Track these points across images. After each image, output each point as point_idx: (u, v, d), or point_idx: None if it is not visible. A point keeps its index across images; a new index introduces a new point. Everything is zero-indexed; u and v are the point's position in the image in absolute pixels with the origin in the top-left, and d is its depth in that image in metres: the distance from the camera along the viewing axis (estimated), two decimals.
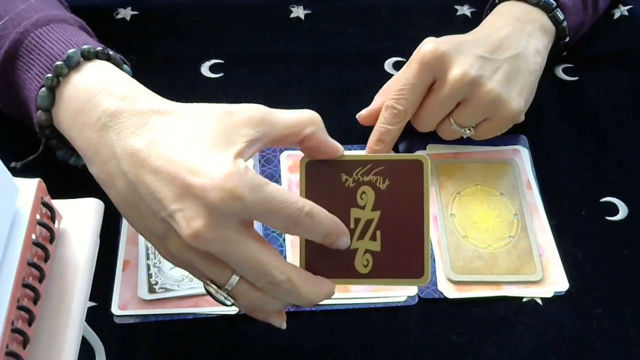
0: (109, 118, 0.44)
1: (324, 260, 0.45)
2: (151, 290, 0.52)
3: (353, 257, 0.46)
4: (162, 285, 0.52)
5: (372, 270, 0.45)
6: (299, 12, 0.73)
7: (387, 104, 0.58)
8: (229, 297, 0.43)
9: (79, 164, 0.53)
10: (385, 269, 0.46)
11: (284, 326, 0.46)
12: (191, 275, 0.48)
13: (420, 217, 0.45)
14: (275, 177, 0.59)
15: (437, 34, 0.59)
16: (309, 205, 0.42)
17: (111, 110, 0.44)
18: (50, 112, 0.49)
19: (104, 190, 0.45)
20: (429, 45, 0.56)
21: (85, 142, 0.45)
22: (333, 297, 0.52)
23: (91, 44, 0.51)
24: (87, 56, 0.49)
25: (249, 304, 0.43)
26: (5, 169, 0.34)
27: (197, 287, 0.52)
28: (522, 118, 0.59)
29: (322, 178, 0.46)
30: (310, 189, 0.46)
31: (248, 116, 0.43)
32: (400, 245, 0.46)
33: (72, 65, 0.48)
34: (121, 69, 0.51)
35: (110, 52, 0.51)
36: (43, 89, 0.48)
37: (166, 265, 0.53)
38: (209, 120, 0.43)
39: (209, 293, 0.43)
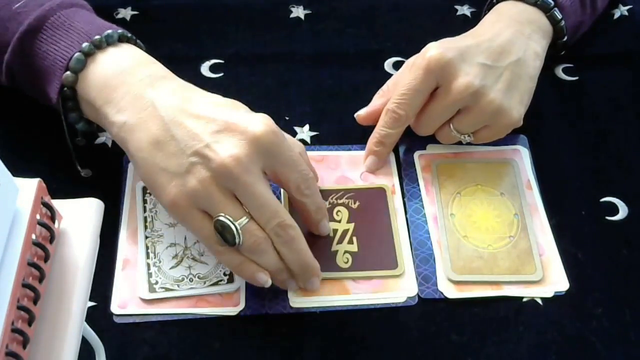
0: (154, 79, 0.52)
1: None
2: (151, 289, 0.52)
3: (334, 257, 0.55)
4: (162, 285, 0.52)
5: (352, 265, 0.54)
6: (299, 12, 0.73)
7: (388, 108, 0.58)
8: (240, 233, 0.47)
9: (86, 129, 0.57)
10: (363, 263, 0.54)
11: (268, 284, 0.50)
12: (191, 275, 0.52)
13: (388, 224, 0.56)
14: None
15: (437, 33, 0.59)
16: (313, 172, 0.53)
17: (159, 74, 0.52)
18: (77, 75, 0.53)
19: (124, 137, 0.51)
20: (434, 52, 0.56)
21: (121, 95, 0.51)
22: (333, 297, 0.53)
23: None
24: (122, 39, 0.55)
25: (252, 245, 0.48)
26: (5, 169, 0.34)
27: (197, 287, 0.52)
28: (521, 123, 0.59)
29: None
30: (293, 210, 0.54)
31: (261, 134, 0.49)
32: (375, 245, 0.55)
33: (110, 42, 0.54)
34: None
35: (137, 40, 0.57)
36: (78, 53, 0.53)
37: (166, 264, 0.53)
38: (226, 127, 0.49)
39: (220, 227, 0.47)
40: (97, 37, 0.53)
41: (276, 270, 0.50)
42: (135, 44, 0.57)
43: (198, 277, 0.52)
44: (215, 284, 0.52)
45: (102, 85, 0.52)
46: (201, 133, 0.48)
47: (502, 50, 0.58)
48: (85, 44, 0.53)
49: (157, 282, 0.53)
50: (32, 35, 0.54)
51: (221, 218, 0.47)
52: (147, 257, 0.54)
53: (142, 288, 0.52)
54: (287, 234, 0.48)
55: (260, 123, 0.48)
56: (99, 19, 0.57)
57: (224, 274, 0.53)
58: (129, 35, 0.56)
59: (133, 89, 0.51)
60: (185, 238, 0.55)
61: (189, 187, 0.47)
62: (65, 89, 0.53)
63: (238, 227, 0.47)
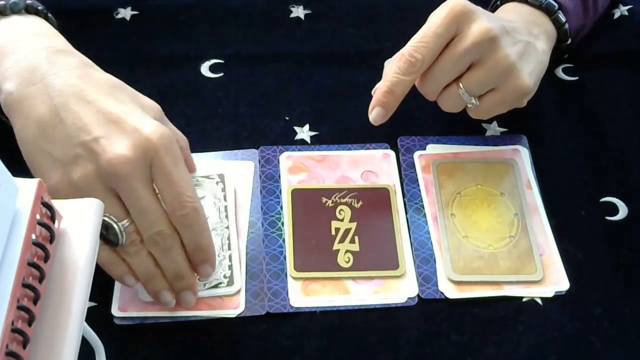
0: (51, 52, 0.49)
1: (311, 258, 0.54)
2: None
3: (336, 256, 0.54)
4: None
5: (353, 265, 0.54)
6: (299, 12, 0.73)
7: (403, 52, 0.56)
8: (124, 234, 0.46)
9: None
10: (364, 263, 0.54)
11: (135, 287, 0.49)
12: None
13: (390, 225, 0.56)
14: (275, 178, 0.59)
15: None
16: (200, 206, 0.47)
17: (58, 47, 0.50)
18: None
19: (9, 107, 0.48)
20: (458, 1, 0.54)
21: (11, 63, 0.48)
22: (333, 297, 0.53)
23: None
24: (30, 10, 0.53)
25: (129, 247, 0.47)
26: (5, 169, 0.34)
27: (200, 290, 0.52)
28: (530, 94, 0.58)
29: (306, 201, 0.57)
30: (296, 207, 0.57)
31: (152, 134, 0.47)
32: (376, 245, 0.55)
33: (15, 9, 0.52)
34: (52, 23, 0.55)
35: (48, 13, 0.55)
36: None
37: None
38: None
39: (103, 228, 0.45)
40: (2, 2, 0.51)
41: (148, 276, 0.49)
42: (46, 18, 0.54)
43: (198, 280, 0.52)
44: (215, 286, 0.52)
45: (2, 46, 0.50)
46: (90, 124, 0.45)
47: (514, 29, 0.57)
48: None
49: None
50: None
51: (105, 218, 0.45)
52: None
53: (143, 291, 0.52)
54: (165, 243, 0.47)
55: (154, 126, 0.46)
56: None
57: (224, 277, 0.53)
58: (40, 7, 0.54)
59: (26, 58, 0.48)
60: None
61: (72, 179, 0.45)
62: None
63: (122, 228, 0.46)
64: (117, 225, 0.46)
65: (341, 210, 0.57)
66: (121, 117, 0.46)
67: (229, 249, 0.54)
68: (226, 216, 0.56)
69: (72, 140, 0.45)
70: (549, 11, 0.62)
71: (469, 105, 0.58)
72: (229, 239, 0.55)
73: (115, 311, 0.51)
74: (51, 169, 0.46)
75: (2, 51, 0.49)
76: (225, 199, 0.56)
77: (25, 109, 0.47)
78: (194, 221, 0.47)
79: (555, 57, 0.65)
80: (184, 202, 0.46)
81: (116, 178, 0.45)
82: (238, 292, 0.52)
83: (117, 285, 0.52)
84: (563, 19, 0.63)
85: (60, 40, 0.51)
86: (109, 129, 0.45)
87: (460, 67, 0.56)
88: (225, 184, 0.57)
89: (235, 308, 0.52)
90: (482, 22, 0.54)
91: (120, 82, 0.50)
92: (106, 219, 0.46)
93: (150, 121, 0.46)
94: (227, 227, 0.55)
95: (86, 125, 0.45)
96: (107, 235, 0.46)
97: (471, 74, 0.56)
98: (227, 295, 0.52)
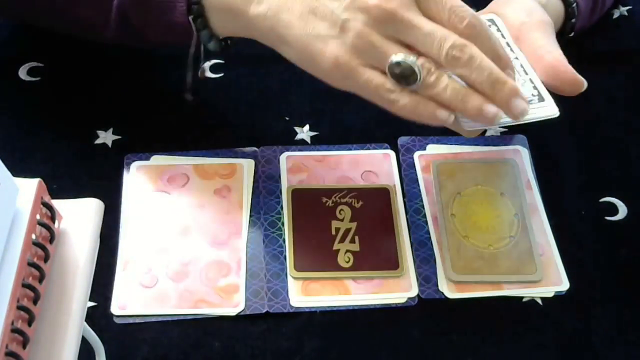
0: None
1: (311, 257, 0.54)
2: None
3: (336, 256, 0.54)
4: None
5: (353, 264, 0.54)
6: None
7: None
8: (418, 68, 0.46)
9: (213, 49, 0.57)
10: (364, 263, 0.54)
11: (450, 119, 0.48)
12: None
13: (391, 224, 0.56)
14: (275, 178, 0.59)
15: None
16: (472, 13, 0.47)
17: None
18: None
19: (271, 24, 0.51)
20: None
21: None
22: (333, 297, 0.53)
23: None
24: None
25: (429, 78, 0.47)
26: (5, 169, 0.34)
27: None
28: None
29: (306, 201, 0.57)
30: (296, 207, 0.57)
31: None
32: (376, 245, 0.55)
33: None
34: None
35: None
36: None
37: None
38: None
39: (397, 70, 0.47)
40: None
41: (461, 96, 0.47)
42: None
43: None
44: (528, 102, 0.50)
45: None
46: None
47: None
48: None
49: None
50: None
51: (396, 59, 0.47)
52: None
53: (465, 120, 0.50)
54: (465, 53, 0.46)
55: None
56: None
57: (532, 95, 0.52)
58: None
59: None
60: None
61: (349, 44, 0.47)
62: (194, 5, 0.53)
63: (414, 62, 0.46)
64: (412, 61, 0.46)
65: (341, 210, 0.57)
66: None
67: (526, 73, 0.54)
68: (511, 50, 0.55)
69: (334, 12, 0.48)
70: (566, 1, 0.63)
71: None
72: (522, 66, 0.54)
73: (115, 309, 0.51)
74: (327, 47, 0.48)
75: None
76: (503, 36, 0.56)
77: (283, 15, 0.50)
78: (479, 28, 0.47)
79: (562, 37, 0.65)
80: (460, 13, 0.46)
81: (388, 19, 0.46)
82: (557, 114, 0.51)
83: (117, 284, 0.52)
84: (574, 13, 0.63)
85: None
86: (350, 6, 0.47)
87: None
88: (498, 24, 0.57)
89: (235, 306, 0.52)
90: None
91: None
92: (397, 59, 0.47)
93: None
94: (517, 58, 0.55)
95: (329, 15, 0.48)
96: (405, 74, 0.47)
97: None
98: (540, 110, 0.51)
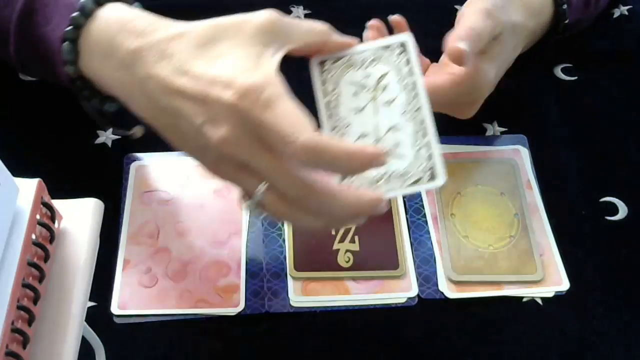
0: (131, 56, 0.46)
1: (311, 257, 0.54)
2: None
3: (336, 256, 0.54)
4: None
5: (353, 264, 0.54)
6: (299, 12, 0.73)
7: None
8: (258, 208, 0.44)
9: (111, 109, 0.53)
10: (364, 263, 0.54)
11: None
12: (388, 173, 0.46)
13: (391, 225, 0.56)
14: None
15: (437, 33, 0.59)
16: (310, 135, 0.41)
17: (131, 48, 0.46)
18: (78, 64, 0.49)
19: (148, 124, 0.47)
20: None
21: (119, 83, 0.47)
22: (333, 297, 0.53)
23: None
24: (100, 1, 0.49)
25: (280, 217, 0.44)
26: (5, 169, 0.34)
27: (396, 187, 0.45)
28: None
29: None
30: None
31: (263, 22, 0.45)
32: (376, 245, 0.55)
33: (87, 13, 0.48)
34: (132, 5, 0.51)
35: None
36: (66, 43, 0.48)
37: None
38: (225, 32, 0.45)
39: (245, 208, 0.45)
40: (75, 14, 0.48)
41: (327, 226, 0.46)
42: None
43: (396, 176, 0.45)
44: (416, 182, 0.45)
45: (101, 71, 0.48)
46: (190, 115, 0.43)
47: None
48: (67, 29, 0.49)
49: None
50: (29, 20, 0.51)
51: (241, 200, 0.45)
52: None
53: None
54: (307, 198, 0.43)
55: (234, 91, 0.42)
56: None
57: (424, 170, 0.45)
58: None
59: (123, 76, 0.47)
60: (375, 126, 0.46)
61: (212, 165, 0.45)
62: (75, 81, 0.50)
63: (253, 204, 0.44)
64: (249, 203, 0.44)
65: None
66: (206, 90, 0.43)
67: (426, 135, 0.46)
68: (416, 95, 0.46)
69: (190, 133, 0.44)
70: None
71: None
72: (423, 123, 0.46)
73: (114, 309, 0.51)
74: (202, 161, 0.46)
75: (102, 70, 0.48)
76: (411, 73, 0.46)
77: (154, 120, 0.47)
78: (312, 153, 0.41)
79: (544, 40, 0.65)
80: (289, 143, 0.41)
81: (234, 153, 0.43)
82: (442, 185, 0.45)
83: (117, 284, 0.53)
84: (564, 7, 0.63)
85: (135, 29, 0.47)
86: (204, 110, 0.43)
87: None
88: (409, 53, 0.47)
89: (235, 306, 0.52)
90: None
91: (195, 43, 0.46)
92: (241, 200, 0.45)
93: (234, 77, 0.42)
94: (420, 109, 0.46)
95: (189, 117, 0.44)
96: (249, 210, 0.45)
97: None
98: (431, 188, 0.46)
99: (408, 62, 0.47)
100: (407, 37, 0.48)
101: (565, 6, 0.63)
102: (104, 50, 0.47)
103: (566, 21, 0.63)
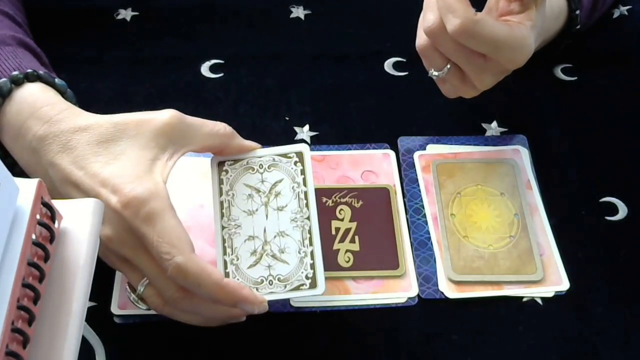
0: (37, 142, 0.47)
1: None
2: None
3: (336, 255, 0.54)
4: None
5: (353, 264, 0.54)
6: (299, 12, 0.73)
7: None
8: (140, 302, 0.48)
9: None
10: (364, 263, 0.54)
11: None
12: (271, 277, 0.48)
13: (391, 225, 0.56)
14: None
15: None
16: (186, 258, 0.44)
17: (38, 134, 0.48)
18: None
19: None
20: None
21: (26, 163, 0.49)
22: (333, 297, 0.53)
23: (25, 65, 0.52)
24: (17, 82, 0.50)
25: (160, 312, 0.47)
26: (5, 169, 0.34)
27: (278, 291, 0.48)
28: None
29: None
30: None
31: (163, 124, 0.47)
32: (376, 245, 0.55)
33: (4, 94, 0.50)
34: (54, 85, 0.52)
35: (41, 72, 0.52)
36: None
37: (244, 262, 0.48)
38: (127, 131, 0.47)
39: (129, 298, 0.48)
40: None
41: (201, 323, 0.49)
42: (35, 78, 0.51)
43: (278, 280, 0.48)
44: (297, 288, 0.47)
45: (12, 148, 0.50)
46: None
47: None
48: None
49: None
50: None
51: (132, 296, 0.49)
52: (224, 252, 0.49)
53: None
54: (178, 305, 0.47)
55: (118, 202, 0.44)
56: (5, 57, 0.53)
57: (306, 277, 0.48)
58: (27, 72, 0.51)
59: (30, 159, 0.48)
60: (264, 230, 0.48)
61: (103, 256, 0.48)
62: None
63: (135, 297, 0.48)
64: (131, 295, 0.48)
65: (341, 209, 0.57)
66: (97, 190, 0.45)
67: (311, 244, 0.48)
68: (306, 204, 0.49)
69: None
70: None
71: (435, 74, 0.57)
72: (310, 232, 0.48)
73: (115, 309, 0.51)
74: None
75: (13, 147, 0.50)
76: (305, 184, 0.50)
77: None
78: (183, 277, 0.44)
79: (553, 45, 0.65)
80: (165, 262, 0.44)
81: (117, 251, 0.46)
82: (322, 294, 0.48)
83: (117, 284, 0.52)
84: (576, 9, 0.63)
85: (45, 115, 0.48)
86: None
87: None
88: (304, 164, 0.50)
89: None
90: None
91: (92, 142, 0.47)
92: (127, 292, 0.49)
93: (114, 193, 0.45)
94: (308, 218, 0.49)
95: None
96: (132, 301, 0.48)
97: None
98: (311, 295, 0.48)
99: (302, 172, 0.50)
100: (303, 148, 0.51)
101: (578, 11, 0.63)
102: (15, 131, 0.49)
103: (578, 27, 0.63)
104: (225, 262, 0.49)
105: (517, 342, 0.51)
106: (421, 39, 0.56)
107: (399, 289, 0.53)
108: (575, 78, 0.68)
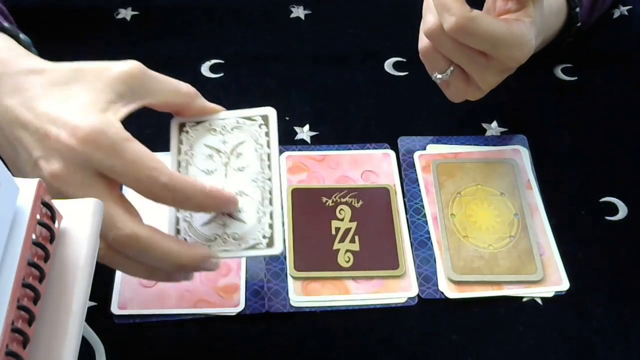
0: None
1: (311, 257, 0.55)
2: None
3: (336, 255, 0.54)
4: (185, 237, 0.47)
5: (353, 264, 0.54)
6: (299, 12, 0.73)
7: None
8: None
9: None
10: (364, 263, 0.54)
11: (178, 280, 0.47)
12: (225, 235, 0.47)
13: (391, 225, 0.56)
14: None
15: None
16: (169, 176, 0.43)
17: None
18: None
19: None
20: None
21: None
22: (333, 297, 0.53)
23: None
24: None
25: (101, 257, 0.44)
26: (5, 169, 0.34)
27: (232, 249, 0.46)
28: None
29: (306, 200, 0.57)
30: (296, 207, 0.57)
31: (123, 72, 0.45)
32: (376, 245, 0.55)
33: None
34: (18, 39, 0.51)
35: (6, 25, 0.51)
36: None
37: (197, 220, 0.47)
38: (84, 76, 0.45)
39: None
40: None
41: (143, 276, 0.46)
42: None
43: (233, 238, 0.46)
44: (253, 247, 0.45)
45: None
46: (29, 147, 0.44)
47: None
48: None
49: (185, 240, 0.46)
50: None
51: None
52: (178, 209, 0.47)
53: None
54: (131, 247, 0.43)
55: (74, 138, 0.42)
56: None
57: (263, 237, 0.45)
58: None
59: None
60: (222, 189, 0.47)
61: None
62: None
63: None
64: None
65: (341, 209, 0.57)
66: (47, 128, 0.43)
67: (271, 204, 0.46)
68: (269, 166, 0.48)
69: (28, 164, 0.45)
70: None
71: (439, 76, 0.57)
72: (270, 192, 0.47)
73: (114, 309, 0.51)
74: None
75: None
76: (268, 146, 0.48)
77: None
78: (172, 193, 0.43)
79: (553, 44, 0.65)
80: (150, 185, 0.43)
81: (64, 191, 0.44)
82: (280, 255, 0.46)
83: (117, 284, 0.53)
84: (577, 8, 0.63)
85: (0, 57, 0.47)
86: (42, 146, 0.44)
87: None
88: (269, 127, 0.49)
89: (235, 306, 0.52)
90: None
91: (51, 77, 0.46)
92: None
93: (76, 121, 0.43)
94: (270, 179, 0.47)
95: (27, 149, 0.44)
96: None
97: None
98: (268, 255, 0.47)
99: (267, 134, 0.49)
100: (270, 112, 0.50)
101: (578, 9, 0.63)
102: None
103: (578, 24, 0.63)
104: (177, 219, 0.47)
105: (517, 342, 0.51)
106: (423, 42, 0.56)
107: (398, 289, 0.53)
108: (575, 78, 0.68)
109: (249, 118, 0.50)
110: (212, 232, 0.46)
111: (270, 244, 0.45)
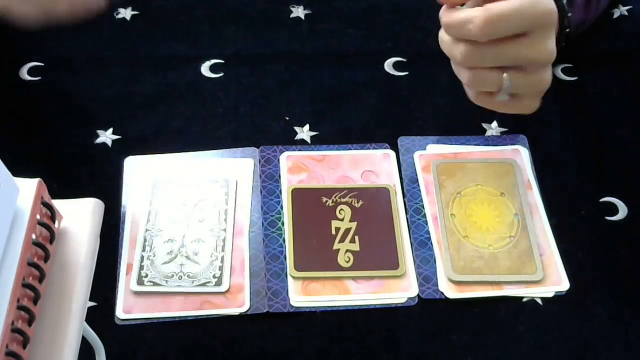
0: None
1: (311, 257, 0.54)
2: (139, 282, 0.52)
3: (336, 255, 0.55)
4: (150, 279, 0.53)
5: (354, 264, 0.54)
6: (299, 12, 0.73)
7: None
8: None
9: None
10: (364, 263, 0.54)
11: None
12: (181, 273, 0.53)
13: (391, 225, 0.57)
14: (275, 177, 0.59)
15: (437, 34, 0.59)
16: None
17: None
18: None
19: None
20: None
21: None
22: (333, 297, 0.53)
23: None
24: None
25: None
26: (5, 169, 0.34)
27: (185, 285, 0.52)
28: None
29: (306, 200, 0.58)
30: (296, 207, 0.57)
31: None
32: (376, 245, 0.55)
33: None
34: None
35: None
36: None
37: (159, 259, 0.54)
38: None
39: None
40: None
41: None
42: None
43: (187, 276, 0.53)
44: (203, 284, 0.53)
45: None
46: None
47: None
48: None
49: (146, 275, 0.53)
50: None
51: None
52: (143, 249, 0.54)
53: (133, 279, 0.53)
54: None
55: None
56: None
57: (213, 276, 0.53)
58: None
59: None
60: (183, 236, 0.55)
61: None
62: None
63: None
64: None
65: (341, 209, 0.57)
66: None
67: (223, 250, 0.54)
68: (225, 219, 0.56)
69: None
70: None
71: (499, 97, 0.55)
72: (224, 241, 0.55)
73: (119, 313, 0.51)
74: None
75: None
76: (226, 203, 0.57)
77: None
78: None
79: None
80: None
81: None
82: (225, 292, 0.52)
83: (121, 287, 0.52)
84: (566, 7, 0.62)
85: None
86: None
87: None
88: (228, 188, 0.58)
89: (240, 306, 0.52)
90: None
91: None
92: None
93: None
94: (225, 230, 0.56)
95: None
96: None
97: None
98: (214, 293, 0.52)
99: (226, 194, 0.58)
100: (230, 176, 0.59)
101: (570, 14, 0.62)
102: None
103: (567, 30, 0.63)
104: (142, 257, 0.54)
105: (517, 342, 0.51)
106: (465, 73, 0.54)
107: (399, 289, 0.53)
108: (575, 78, 0.68)
109: (214, 181, 0.58)
110: (170, 271, 0.53)
111: (218, 283, 0.53)
